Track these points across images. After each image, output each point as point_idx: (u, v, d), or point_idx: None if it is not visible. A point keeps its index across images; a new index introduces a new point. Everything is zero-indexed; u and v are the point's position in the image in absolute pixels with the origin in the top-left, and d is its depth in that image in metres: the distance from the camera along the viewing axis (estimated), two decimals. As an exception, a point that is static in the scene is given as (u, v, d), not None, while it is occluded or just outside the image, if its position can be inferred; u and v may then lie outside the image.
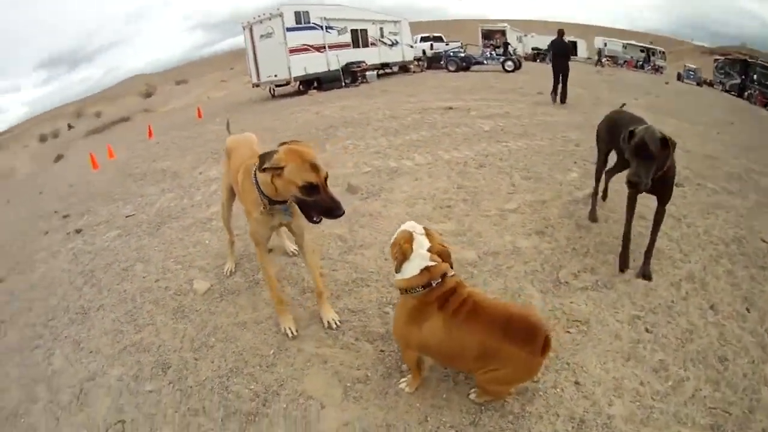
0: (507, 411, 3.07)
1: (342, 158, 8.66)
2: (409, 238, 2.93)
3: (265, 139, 10.44)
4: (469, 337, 2.79)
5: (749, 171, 8.14)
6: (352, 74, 26.17)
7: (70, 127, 61.21)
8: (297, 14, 23.91)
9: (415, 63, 34.98)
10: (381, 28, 30.64)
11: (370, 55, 28.85)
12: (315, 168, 3.11)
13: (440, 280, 2.90)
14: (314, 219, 3.25)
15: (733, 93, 43.94)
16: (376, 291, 4.40)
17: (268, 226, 3.69)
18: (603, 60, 51.87)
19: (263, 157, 3.16)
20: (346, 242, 5.42)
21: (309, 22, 24.56)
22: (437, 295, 2.88)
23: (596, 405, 3.18)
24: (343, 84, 25.33)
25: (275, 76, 24.49)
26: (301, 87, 25.14)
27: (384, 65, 31.03)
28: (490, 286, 4.43)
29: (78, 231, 7.17)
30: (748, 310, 4.38)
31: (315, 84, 25.04)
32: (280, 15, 23.03)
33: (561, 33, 16.38)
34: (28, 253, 7.05)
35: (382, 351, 3.62)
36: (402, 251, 2.90)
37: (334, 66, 25.75)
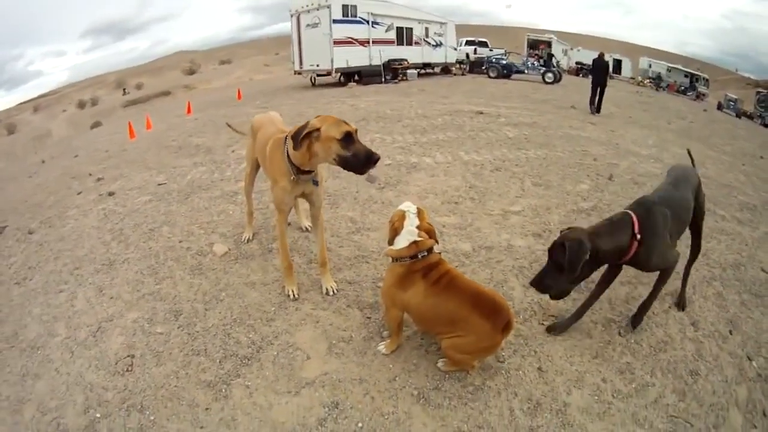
0: (468, 382, 3.43)
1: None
2: (401, 216, 3.37)
3: (298, 122, 10.92)
4: (443, 304, 3.23)
5: (766, 204, 8.23)
6: (393, 71, 26.37)
7: (125, 92, 61.92)
8: (345, 7, 24.14)
9: (457, 66, 35.05)
10: (426, 28, 30.84)
11: (412, 54, 29.02)
12: (346, 123, 3.49)
13: (426, 253, 3.34)
14: (363, 170, 3.52)
15: None
16: (373, 268, 4.84)
17: (292, 195, 4.01)
18: (644, 81, 51.40)
19: (300, 129, 3.52)
20: (355, 223, 5.88)
21: (356, 16, 24.79)
22: (422, 265, 3.32)
23: (554, 392, 3.46)
24: (383, 80, 25.52)
25: (317, 65, 24.78)
26: (341, 79, 25.41)
27: (426, 65, 31.15)
28: (478, 275, 4.80)
29: (111, 194, 7.53)
30: (731, 332, 4.60)
31: (355, 77, 25.26)
32: (329, 6, 23.28)
33: (601, 54, 19.16)
34: (60, 209, 7.40)
35: (368, 318, 4.05)
36: (394, 227, 3.36)
37: (376, 61, 25.92)
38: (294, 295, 4.32)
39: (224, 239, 5.53)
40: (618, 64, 54.89)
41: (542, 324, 4.15)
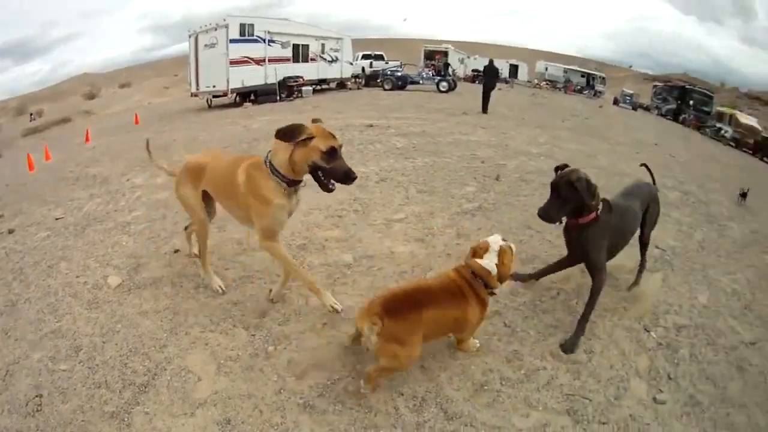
0: (352, 387, 3.72)
1: None
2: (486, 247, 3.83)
3: (192, 149, 11.28)
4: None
5: (659, 186, 8.67)
6: (288, 88, 26.57)
7: (32, 118, 59.19)
8: (242, 26, 24.36)
9: (353, 80, 35.59)
10: (323, 44, 31.24)
11: (308, 70, 29.29)
12: (334, 137, 3.81)
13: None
14: (330, 186, 3.88)
15: (668, 117, 46.62)
16: (258, 288, 5.12)
17: (287, 211, 4.21)
18: (541, 83, 53.23)
19: (293, 130, 3.73)
20: (241, 245, 6.18)
21: (253, 35, 24.89)
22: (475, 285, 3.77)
23: (439, 386, 3.77)
24: (278, 98, 25.63)
25: (213, 86, 24.91)
26: (237, 99, 25.35)
27: (321, 81, 31.54)
28: (359, 284, 5.20)
29: (11, 231, 7.50)
30: (625, 308, 5.22)
31: (251, 97, 25.28)
32: (226, 26, 23.44)
33: (491, 61, 22.38)
34: (-42, 250, 7.30)
35: (252, 335, 4.33)
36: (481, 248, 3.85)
37: (272, 80, 26.03)
38: (338, 309, 4.54)
39: (118, 271, 5.66)
40: (515, 69, 56.77)
41: None
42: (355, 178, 3.88)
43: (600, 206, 4.53)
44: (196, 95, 27.03)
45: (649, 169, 6.20)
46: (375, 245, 6.15)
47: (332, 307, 4.48)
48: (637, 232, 5.50)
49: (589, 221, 4.49)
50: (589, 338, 4.58)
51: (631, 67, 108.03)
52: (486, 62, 22.75)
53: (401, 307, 3.42)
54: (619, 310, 5.22)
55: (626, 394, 4.05)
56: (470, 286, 3.70)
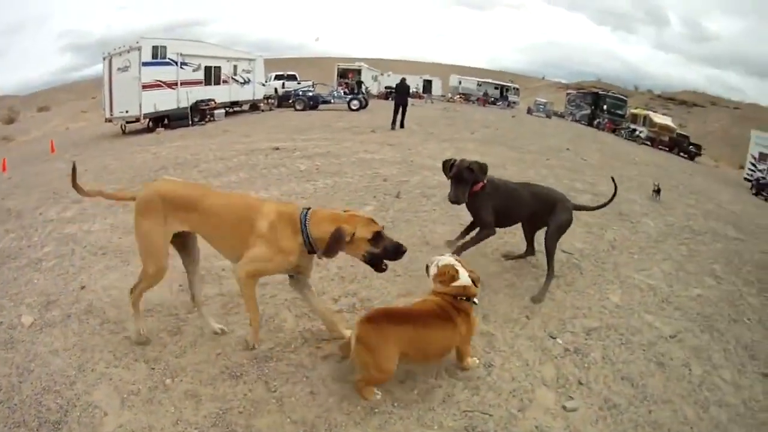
0: (242, 413, 3.69)
1: None
2: (453, 267, 3.94)
3: (104, 179, 11.15)
4: None
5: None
6: (200, 112, 26.04)
7: None
8: (155, 48, 23.94)
9: (265, 101, 35.30)
10: (235, 66, 30.85)
11: (220, 93, 28.87)
12: (374, 222, 3.86)
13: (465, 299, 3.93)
14: (383, 266, 3.96)
15: (583, 122, 49.05)
16: (157, 321, 4.92)
17: (287, 268, 4.13)
18: (454, 97, 54.01)
19: (335, 242, 3.74)
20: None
21: (165, 57, 24.41)
22: (456, 306, 3.89)
23: (328, 412, 3.69)
24: (190, 122, 25.14)
25: (127, 111, 24.12)
26: (150, 124, 24.70)
27: (234, 103, 31.11)
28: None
29: None
30: (527, 317, 5.16)
31: (165, 121, 24.69)
32: (139, 49, 22.97)
33: (403, 79, 23.15)
34: None
35: (152, 369, 4.20)
36: (450, 274, 3.91)
37: (184, 103, 25.54)
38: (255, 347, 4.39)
39: (30, 309, 5.41)
40: (428, 84, 57.47)
41: (318, 347, 4.46)
42: (405, 251, 3.96)
43: (485, 180, 5.69)
44: (110, 120, 26.19)
45: (614, 181, 7.05)
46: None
47: (253, 347, 4.40)
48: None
49: (478, 189, 5.66)
50: (488, 351, 4.52)
51: (544, 77, 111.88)
52: (398, 80, 23.87)
53: (382, 320, 3.67)
54: (521, 320, 5.13)
55: (531, 405, 3.93)
56: (455, 307, 3.82)
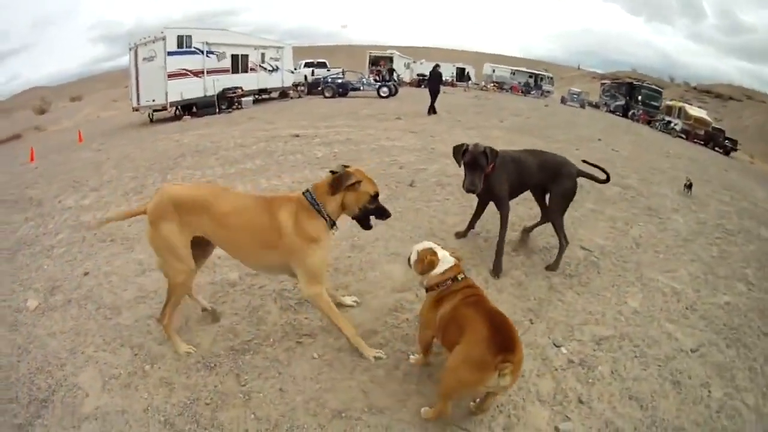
0: (210, 406, 3.71)
1: None
2: (432, 251, 3.77)
3: (124, 167, 11.74)
4: (462, 313, 3.37)
5: (592, 183, 8.39)
6: (228, 100, 25.88)
7: None
8: (180, 38, 23.69)
9: (294, 89, 34.85)
10: (263, 54, 30.55)
11: (248, 81, 28.61)
12: (373, 183, 4.05)
13: (460, 278, 3.69)
14: (370, 224, 4.18)
15: (618, 113, 47.68)
16: (149, 308, 5.04)
17: (330, 250, 4.32)
18: (488, 85, 53.40)
19: (341, 178, 3.90)
20: (142, 265, 6.06)
21: (191, 47, 24.31)
22: (457, 288, 3.60)
23: (294, 411, 3.62)
24: (217, 110, 25.00)
25: (153, 100, 24.07)
26: (176, 112, 24.78)
27: (262, 91, 30.83)
28: (237, 303, 5.06)
29: None
30: (531, 321, 4.85)
31: (193, 109, 24.68)
32: (163, 38, 22.80)
33: (436, 66, 23.45)
34: None
35: (135, 354, 4.36)
36: (429, 260, 3.70)
37: (211, 92, 25.39)
38: (382, 356, 4.18)
39: (37, 294, 5.69)
40: (462, 71, 56.80)
41: (299, 342, 4.34)
42: (389, 215, 4.20)
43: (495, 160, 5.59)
44: (137, 110, 26.06)
45: (591, 164, 6.48)
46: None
47: (375, 357, 4.17)
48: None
49: (490, 171, 5.59)
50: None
51: (579, 66, 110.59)
52: (431, 67, 23.84)
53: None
54: (523, 324, 4.76)
55: (519, 424, 3.58)
56: (452, 291, 3.61)
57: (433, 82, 22.64)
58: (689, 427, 3.75)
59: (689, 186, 11.55)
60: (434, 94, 21.99)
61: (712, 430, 3.78)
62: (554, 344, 4.49)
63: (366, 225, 4.16)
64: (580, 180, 6.09)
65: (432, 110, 21.82)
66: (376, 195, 4.06)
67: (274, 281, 5.38)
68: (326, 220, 3.96)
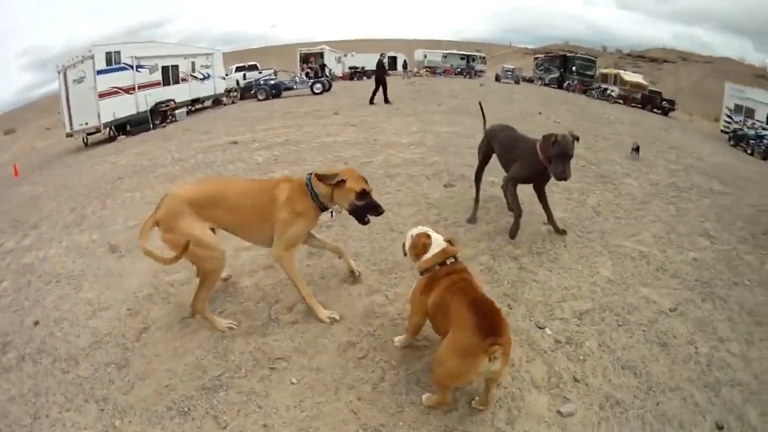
0: None
1: (116, 214, 8.39)
2: (426, 234, 3.83)
3: (63, 197, 10.93)
4: (450, 300, 3.38)
5: None
6: (161, 114, 25.08)
7: None
8: (108, 55, 22.80)
9: (227, 95, 34.11)
10: (193, 63, 29.76)
11: (180, 92, 27.90)
12: (365, 181, 4.39)
13: (453, 259, 3.73)
14: (365, 220, 4.48)
15: (552, 86, 48.62)
16: (105, 353, 4.53)
17: (310, 228, 4.66)
18: (420, 71, 53.55)
19: (327, 175, 4.31)
20: (91, 305, 5.43)
21: (120, 63, 23.44)
22: (447, 271, 3.64)
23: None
24: (151, 126, 24.11)
25: (86, 123, 23.06)
26: (111, 133, 23.73)
27: (195, 101, 30.05)
28: (198, 333, 4.58)
29: None
30: (510, 306, 4.54)
31: (127, 128, 23.70)
32: (92, 57, 21.98)
33: (382, 55, 24.79)
34: None
35: (101, 410, 3.91)
36: (422, 243, 3.76)
37: (143, 107, 24.54)
38: (336, 318, 4.58)
39: None
40: (393, 60, 56.81)
41: (272, 368, 4.00)
42: (383, 211, 4.54)
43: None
44: (71, 135, 24.65)
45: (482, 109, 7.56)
46: (219, 283, 5.26)
47: (329, 318, 4.59)
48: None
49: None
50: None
51: (510, 44, 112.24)
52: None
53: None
54: (502, 311, 4.57)
55: (521, 415, 3.47)
56: (441, 276, 3.64)
57: (379, 71, 23.07)
58: (684, 385, 3.85)
59: (636, 149, 11.76)
60: (381, 83, 22.39)
61: (706, 384, 3.90)
62: (537, 326, 4.43)
63: (360, 219, 4.49)
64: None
65: (385, 99, 22.19)
66: (363, 192, 4.32)
67: (232, 303, 5.04)
68: (316, 203, 4.45)
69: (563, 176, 5.53)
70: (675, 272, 5.69)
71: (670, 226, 7.20)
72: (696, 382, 3.90)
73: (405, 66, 55.14)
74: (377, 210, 4.44)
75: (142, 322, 4.85)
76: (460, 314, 3.21)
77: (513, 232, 6.14)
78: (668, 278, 5.55)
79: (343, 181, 4.30)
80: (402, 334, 4.19)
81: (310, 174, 4.49)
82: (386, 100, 22.15)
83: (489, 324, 3.07)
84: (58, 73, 23.62)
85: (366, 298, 4.93)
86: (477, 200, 6.99)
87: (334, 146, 12.12)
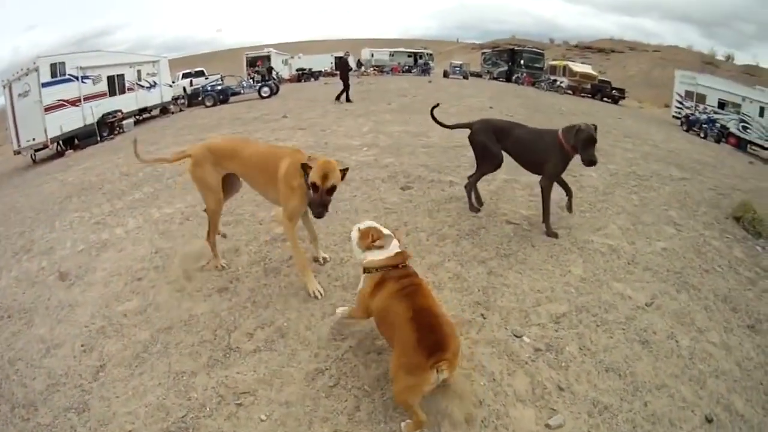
0: None
1: (65, 237, 7.87)
2: (378, 230, 3.82)
3: (11, 220, 10.18)
4: (395, 307, 3.39)
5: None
6: (108, 126, 24.35)
7: None
8: (53, 66, 21.93)
9: (175, 103, 33.45)
10: (138, 71, 28.90)
11: (127, 102, 27.10)
12: (324, 177, 4.43)
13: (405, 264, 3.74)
14: (315, 212, 4.61)
15: (501, 79, 49.47)
16: (64, 397, 4.14)
17: (306, 202, 4.83)
18: (368, 70, 53.50)
19: (306, 163, 4.56)
20: (44, 342, 4.96)
21: (65, 74, 22.56)
22: (398, 274, 3.62)
23: None
24: (99, 139, 23.41)
25: (33, 139, 22.08)
26: (59, 148, 22.84)
27: (142, 110, 29.15)
28: (156, 369, 4.24)
29: None
30: (483, 315, 4.28)
31: (75, 142, 22.88)
32: (36, 69, 21.08)
33: (346, 53, 25.81)
34: None
35: None
36: (374, 240, 3.77)
37: (90, 120, 23.71)
38: (319, 295, 4.98)
39: None
40: (339, 60, 56.82)
41: (239, 404, 3.70)
42: (318, 216, 4.62)
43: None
44: (19, 153, 23.64)
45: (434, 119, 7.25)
46: (174, 311, 5.06)
47: (314, 293, 5.01)
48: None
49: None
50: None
51: (458, 40, 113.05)
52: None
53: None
54: (476, 321, 4.48)
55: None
56: (397, 276, 3.64)
57: (342, 71, 23.26)
58: (670, 381, 3.89)
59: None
60: (345, 82, 22.65)
61: (691, 378, 3.99)
62: (515, 335, 4.29)
63: (313, 211, 4.66)
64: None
65: (346, 98, 22.42)
66: (314, 185, 4.47)
67: (188, 333, 4.64)
68: (305, 182, 4.63)
69: (594, 161, 5.87)
70: (646, 264, 5.74)
71: (635, 216, 7.21)
72: (681, 377, 3.94)
73: (359, 65, 54.74)
74: (314, 208, 4.61)
75: (98, 359, 4.48)
76: (403, 328, 3.22)
77: (552, 232, 6.30)
78: (640, 271, 5.56)
79: (308, 168, 4.52)
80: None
81: (309, 156, 4.81)
82: (348, 99, 22.34)
83: (432, 340, 3.07)
84: (3, 87, 22.74)
85: (330, 318, 4.63)
86: (474, 207, 6.89)
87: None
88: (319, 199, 4.51)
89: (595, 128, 5.90)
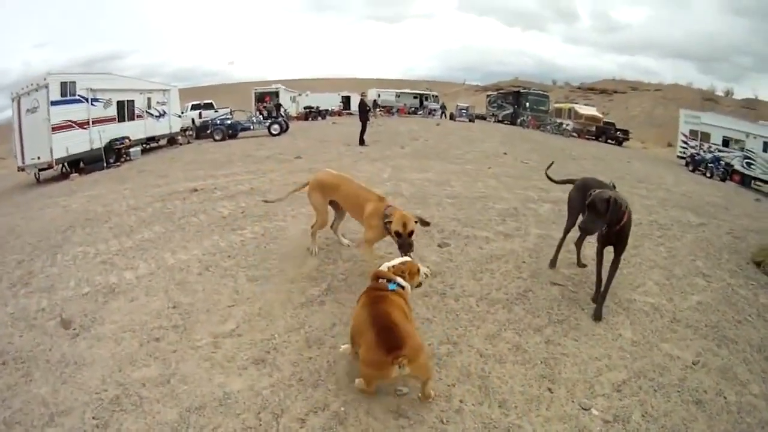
0: None
1: (68, 275, 7.31)
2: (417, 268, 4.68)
3: (10, 245, 9.70)
4: (361, 314, 4.10)
5: (527, 201, 8.64)
6: (116, 152, 23.97)
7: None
8: (63, 85, 21.46)
9: (183, 134, 33.00)
10: (149, 98, 28.45)
11: (135, 129, 26.68)
12: (404, 226, 5.65)
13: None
14: (404, 252, 5.57)
15: (506, 122, 50.23)
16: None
17: (380, 238, 6.25)
18: (376, 111, 53.52)
19: (385, 215, 5.86)
20: (47, 406, 4.31)
21: (75, 94, 22.15)
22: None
23: None
24: (105, 165, 22.87)
25: (38, 158, 21.46)
26: (63, 170, 22.44)
27: (150, 139, 28.66)
28: None
29: None
30: (550, 391, 4.34)
31: (80, 165, 22.49)
32: (46, 86, 20.55)
33: (363, 94, 26.08)
34: None
35: None
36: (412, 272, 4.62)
37: (97, 144, 23.30)
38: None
39: None
40: (347, 100, 57.08)
41: None
42: (408, 253, 5.52)
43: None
44: (23, 170, 22.79)
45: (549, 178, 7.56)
46: (203, 385, 4.44)
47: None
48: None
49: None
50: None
51: (465, 81, 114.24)
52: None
53: None
54: (544, 397, 4.27)
55: None
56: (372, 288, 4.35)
57: (362, 112, 23.38)
58: None
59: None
60: (363, 124, 22.76)
61: None
62: (583, 408, 4.16)
63: (403, 252, 5.61)
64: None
65: (360, 141, 22.31)
66: (398, 233, 5.69)
67: (229, 416, 3.98)
68: (384, 224, 5.93)
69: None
70: (687, 322, 5.77)
71: (668, 270, 7.21)
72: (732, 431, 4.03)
73: (375, 105, 54.36)
74: (404, 250, 5.63)
75: (114, 440, 3.86)
76: (366, 333, 3.88)
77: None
78: (683, 329, 5.59)
79: (390, 222, 5.76)
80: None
81: (388, 205, 6.08)
82: (362, 141, 22.27)
83: (389, 340, 3.65)
84: (12, 100, 22.31)
85: (390, 399, 4.15)
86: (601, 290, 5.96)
87: (305, 198, 11.20)
88: (405, 242, 5.67)
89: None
